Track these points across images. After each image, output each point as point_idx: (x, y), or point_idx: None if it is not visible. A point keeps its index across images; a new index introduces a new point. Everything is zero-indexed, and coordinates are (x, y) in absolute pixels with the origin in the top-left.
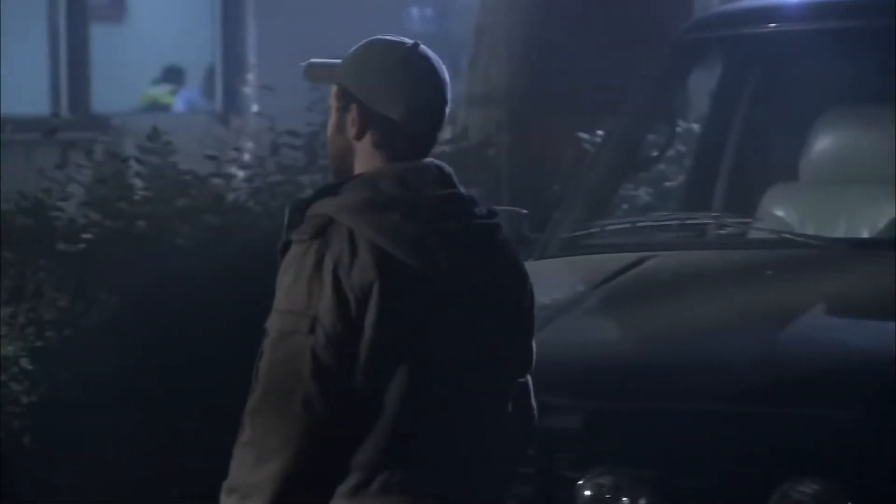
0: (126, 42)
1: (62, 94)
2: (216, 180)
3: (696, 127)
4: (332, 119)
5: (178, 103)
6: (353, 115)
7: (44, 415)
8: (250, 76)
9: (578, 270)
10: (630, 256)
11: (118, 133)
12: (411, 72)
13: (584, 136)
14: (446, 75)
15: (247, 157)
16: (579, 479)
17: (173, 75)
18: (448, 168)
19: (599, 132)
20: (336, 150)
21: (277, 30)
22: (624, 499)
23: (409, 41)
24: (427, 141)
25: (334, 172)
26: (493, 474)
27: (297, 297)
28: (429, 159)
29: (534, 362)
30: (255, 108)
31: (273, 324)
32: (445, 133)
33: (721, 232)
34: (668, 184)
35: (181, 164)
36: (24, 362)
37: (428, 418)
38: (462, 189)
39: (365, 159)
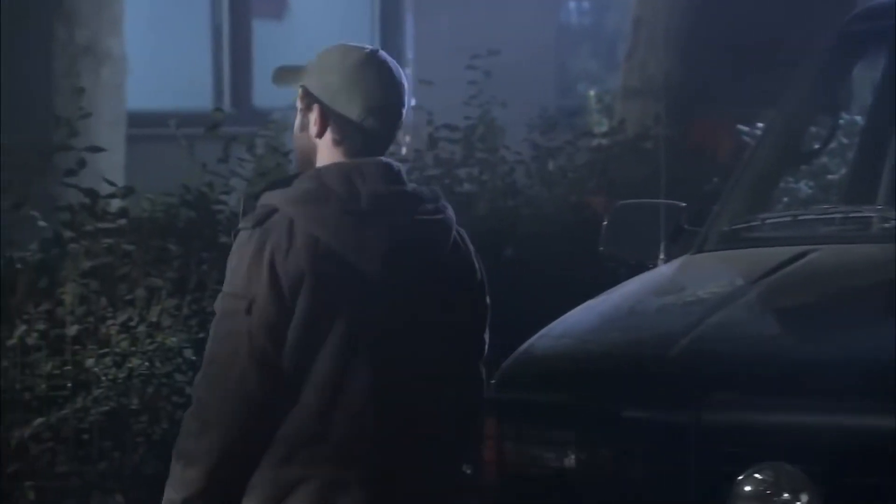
0: (287, 38)
1: (225, 89)
2: None
3: (859, 119)
4: (297, 118)
5: None
6: (314, 114)
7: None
8: (408, 71)
9: (738, 264)
10: (791, 250)
11: (279, 127)
12: (368, 75)
13: (744, 128)
14: (403, 79)
15: (404, 150)
16: (739, 475)
17: None
18: (398, 166)
19: (759, 124)
20: (300, 147)
21: (435, 25)
22: (785, 495)
23: (368, 47)
24: (383, 139)
25: (298, 168)
26: (426, 454)
27: (238, 280)
28: (381, 157)
29: (484, 353)
30: (412, 102)
31: (218, 304)
32: (602, 126)
33: (885, 225)
34: (830, 177)
35: None
36: (188, 353)
37: (353, 398)
38: (409, 186)
39: (325, 156)
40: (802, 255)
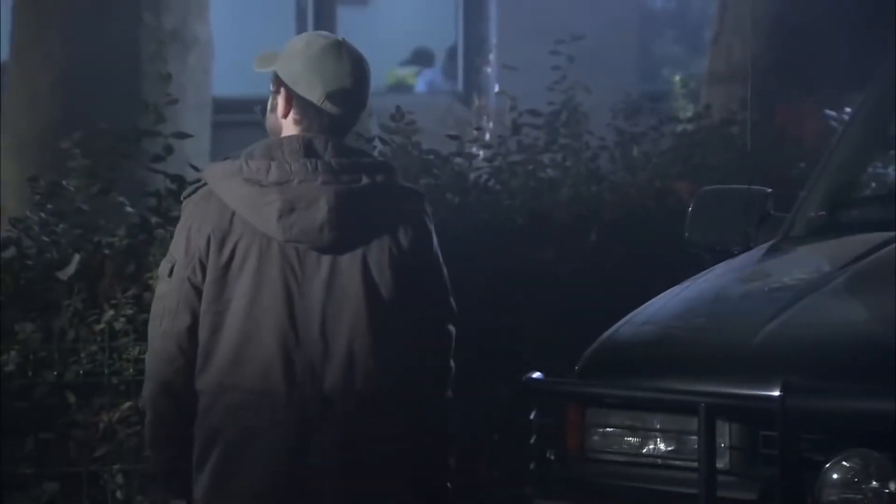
0: (371, 24)
1: None
2: (458, 160)
3: None
4: (270, 100)
5: (419, 84)
6: (281, 97)
7: None
8: (492, 56)
9: (824, 250)
10: (879, 236)
11: (365, 113)
12: (328, 63)
13: (831, 112)
14: (365, 67)
15: (488, 136)
16: (826, 462)
17: (421, 57)
18: (335, 140)
19: (847, 109)
20: (269, 125)
21: (519, 9)
22: (873, 483)
23: (333, 37)
24: (342, 121)
25: None
26: (342, 406)
27: (171, 246)
28: (316, 134)
29: (442, 317)
30: (496, 87)
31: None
32: (687, 111)
33: None
34: None
35: (424, 143)
36: None
37: (260, 351)
38: (334, 160)
39: (288, 133)
40: (890, 241)
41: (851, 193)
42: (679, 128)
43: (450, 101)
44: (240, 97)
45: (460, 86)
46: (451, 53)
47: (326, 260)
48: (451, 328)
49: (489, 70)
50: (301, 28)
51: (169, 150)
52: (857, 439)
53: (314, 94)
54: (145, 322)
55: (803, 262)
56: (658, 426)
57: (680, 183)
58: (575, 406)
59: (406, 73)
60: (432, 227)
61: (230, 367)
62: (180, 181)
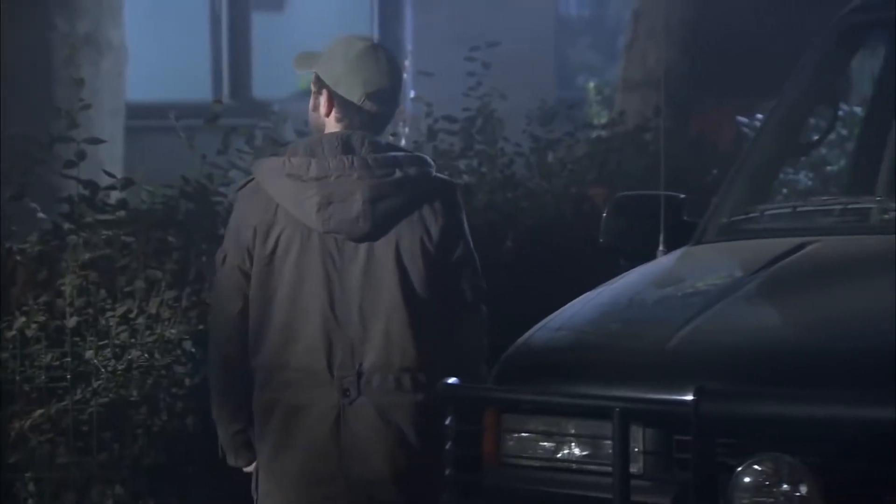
0: (286, 29)
1: (224, 81)
2: None
3: (858, 110)
4: (311, 98)
5: None
6: (323, 97)
7: (207, 397)
8: (407, 62)
9: (737, 255)
10: (790, 241)
11: (279, 118)
12: (367, 64)
13: (744, 119)
14: (399, 68)
15: (403, 142)
16: (738, 466)
17: None
18: (361, 137)
19: (759, 116)
20: (313, 123)
21: (434, 16)
22: (784, 486)
23: (370, 40)
24: (380, 118)
25: None
26: (380, 381)
27: (225, 235)
28: (356, 131)
29: (475, 297)
30: (411, 93)
31: None
32: (602, 117)
33: (884, 216)
34: (829, 168)
35: None
36: (187, 345)
37: (306, 331)
38: (370, 156)
39: (330, 130)
40: (801, 246)
41: (763, 199)
42: (594, 134)
43: None
44: (154, 102)
45: None
46: None
47: (363, 249)
48: (483, 307)
49: (405, 76)
50: (215, 33)
51: (82, 155)
52: (769, 443)
53: (355, 95)
54: (58, 329)
55: (716, 268)
56: (573, 431)
57: (595, 189)
58: (490, 411)
59: None
60: (463, 216)
61: (280, 347)
62: (93, 187)
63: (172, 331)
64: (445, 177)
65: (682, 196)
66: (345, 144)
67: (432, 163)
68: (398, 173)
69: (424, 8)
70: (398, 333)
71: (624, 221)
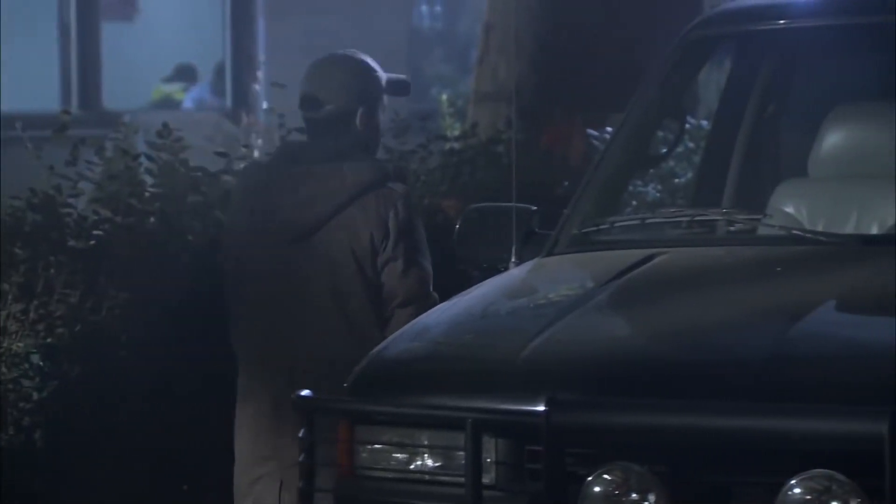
0: (137, 39)
1: (73, 91)
2: (226, 177)
3: (705, 123)
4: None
5: (187, 100)
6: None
7: (54, 411)
8: (260, 73)
9: (588, 267)
10: (640, 253)
11: (129, 130)
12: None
13: (594, 132)
14: (325, 69)
15: (257, 153)
16: (589, 476)
17: (189, 73)
18: (313, 143)
19: (609, 129)
20: None
21: (287, 27)
22: (633, 494)
23: (340, 53)
24: (317, 124)
25: None
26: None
27: None
28: (302, 139)
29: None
30: (264, 104)
31: None
32: (454, 129)
33: (731, 228)
34: (677, 180)
35: (192, 160)
36: (35, 358)
37: (267, 318)
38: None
39: None
40: (650, 258)
41: (613, 211)
42: (447, 146)
43: (218, 118)
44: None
45: (229, 102)
46: (219, 70)
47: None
48: (419, 272)
49: (257, 87)
50: (64, 43)
51: None
52: (619, 452)
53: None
54: None
55: (567, 279)
56: (426, 442)
57: (447, 200)
58: (344, 423)
59: (173, 89)
60: (409, 212)
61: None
62: None
63: (20, 344)
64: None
65: (534, 208)
66: (289, 151)
67: (383, 165)
68: (348, 175)
69: (277, 19)
70: (333, 329)
71: (477, 233)
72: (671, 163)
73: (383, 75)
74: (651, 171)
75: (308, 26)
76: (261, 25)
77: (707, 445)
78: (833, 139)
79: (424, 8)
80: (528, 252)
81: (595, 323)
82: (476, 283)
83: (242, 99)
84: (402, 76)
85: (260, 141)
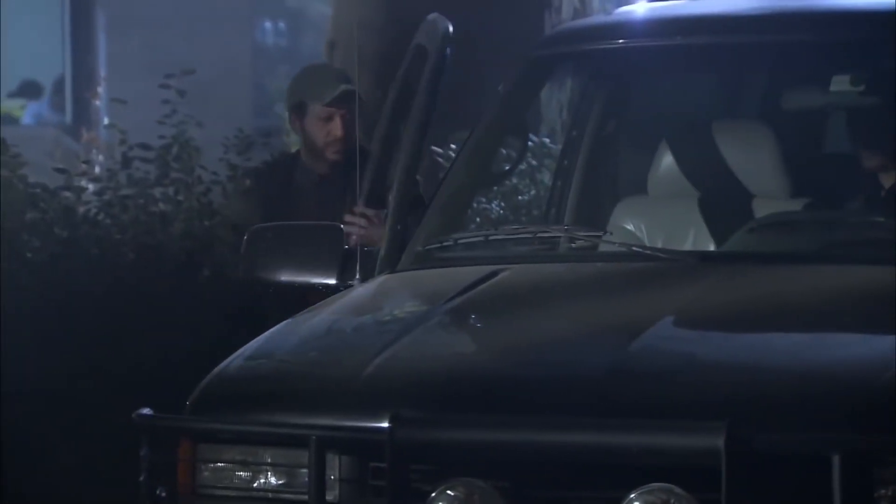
0: None
1: None
2: (66, 193)
3: (548, 141)
4: None
5: (26, 116)
6: None
7: None
8: (100, 89)
9: (432, 283)
10: (483, 269)
11: None
12: None
13: (438, 150)
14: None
15: (97, 170)
16: (432, 492)
17: (28, 89)
18: None
19: (453, 146)
20: None
21: (128, 43)
22: None
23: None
24: None
25: None
26: None
27: None
28: None
29: None
30: (105, 120)
31: None
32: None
33: (573, 245)
34: (520, 197)
35: (30, 177)
36: None
37: None
38: None
39: None
40: (493, 274)
41: (458, 228)
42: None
43: (58, 134)
44: None
45: (68, 118)
46: (59, 86)
47: None
48: None
49: (98, 103)
50: None
51: None
52: (463, 469)
53: None
54: None
55: (412, 295)
56: (269, 460)
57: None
58: (186, 442)
59: (12, 105)
60: None
61: None
62: None
63: None
64: None
65: (340, 225)
66: None
67: None
68: None
69: (117, 35)
70: None
71: (267, 253)
72: (514, 180)
73: None
74: (495, 188)
75: (149, 43)
76: (101, 41)
77: (549, 461)
78: (671, 157)
79: (268, 24)
80: (349, 271)
81: (438, 339)
82: (276, 304)
83: (83, 115)
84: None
85: (101, 157)
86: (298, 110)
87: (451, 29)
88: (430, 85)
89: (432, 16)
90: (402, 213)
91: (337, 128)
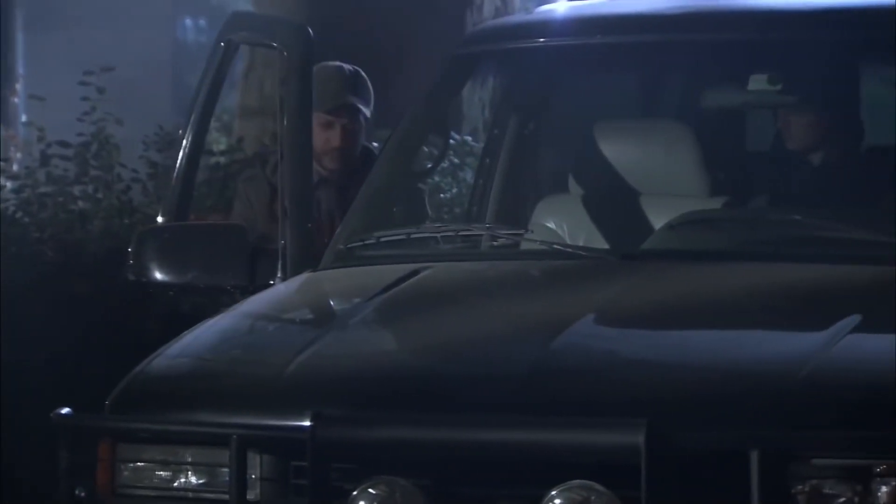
0: None
1: None
2: None
3: (469, 139)
4: None
5: None
6: None
7: None
8: (18, 86)
9: (354, 282)
10: (405, 267)
11: None
12: None
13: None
14: None
15: (15, 167)
16: (353, 490)
17: None
18: None
19: (375, 144)
20: None
21: (47, 40)
22: None
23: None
24: None
25: None
26: None
27: None
28: None
29: None
30: (23, 118)
31: None
32: (221, 143)
33: (494, 243)
34: (442, 195)
35: None
36: None
37: None
38: None
39: None
40: (416, 272)
41: (381, 226)
42: (212, 160)
43: None
44: None
45: None
46: None
47: None
48: None
49: (16, 100)
50: None
51: None
52: (385, 467)
53: None
54: None
55: (334, 294)
56: (189, 459)
57: (214, 215)
58: (105, 441)
59: None
60: None
61: None
62: None
63: None
64: None
65: (241, 224)
66: None
67: None
68: None
69: (36, 31)
70: None
71: (163, 254)
72: (437, 178)
73: None
74: (419, 185)
75: (68, 39)
76: (19, 38)
77: (470, 458)
78: (591, 156)
79: (188, 21)
80: (263, 271)
81: (360, 338)
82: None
83: (0, 112)
84: None
85: (19, 155)
86: None
87: (311, 32)
88: (300, 86)
89: (252, 12)
90: (307, 212)
91: (336, 137)
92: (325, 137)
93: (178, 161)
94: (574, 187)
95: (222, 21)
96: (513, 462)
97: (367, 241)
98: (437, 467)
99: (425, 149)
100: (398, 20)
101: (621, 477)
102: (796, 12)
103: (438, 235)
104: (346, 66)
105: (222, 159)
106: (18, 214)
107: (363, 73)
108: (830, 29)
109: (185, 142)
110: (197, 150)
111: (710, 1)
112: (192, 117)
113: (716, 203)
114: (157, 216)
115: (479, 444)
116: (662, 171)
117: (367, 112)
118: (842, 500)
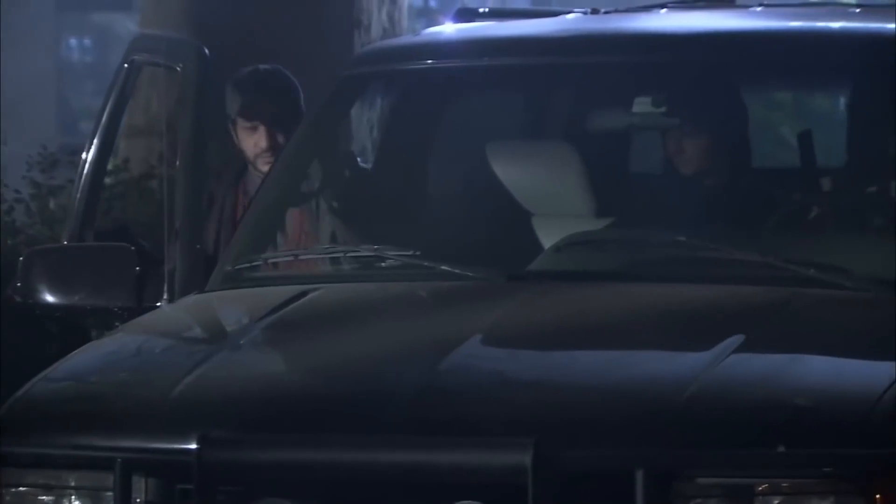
0: None
1: None
2: None
3: (359, 160)
4: None
5: None
6: None
7: None
8: None
9: (241, 304)
10: (293, 289)
11: None
12: None
13: None
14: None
15: None
16: None
17: None
18: None
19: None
20: None
21: None
22: None
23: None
24: None
25: None
26: None
27: None
28: None
29: None
30: None
31: None
32: (108, 164)
33: (382, 264)
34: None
35: None
36: None
37: None
38: None
39: None
40: (303, 294)
41: (267, 247)
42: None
43: None
44: None
45: None
46: None
47: None
48: None
49: None
50: None
51: None
52: (272, 489)
53: None
54: None
55: (221, 316)
56: (73, 483)
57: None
58: None
59: None
60: None
61: None
62: None
63: None
64: None
65: (132, 247)
66: None
67: None
68: None
69: None
70: None
71: (50, 276)
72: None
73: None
74: (313, 202)
75: None
76: None
77: (357, 479)
78: (478, 177)
79: (73, 41)
80: (149, 292)
81: (247, 360)
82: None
83: None
84: None
85: None
86: (233, 123)
87: (206, 51)
88: (195, 106)
89: (156, 33)
90: (197, 234)
91: (262, 138)
92: (252, 141)
93: (80, 182)
94: (461, 208)
95: (106, 40)
96: (400, 483)
97: (254, 263)
98: (325, 488)
99: (313, 170)
100: (286, 41)
101: (508, 497)
102: (681, 35)
103: (326, 257)
104: (263, 67)
105: (109, 180)
106: None
107: (283, 70)
108: (713, 52)
109: (86, 163)
110: (101, 171)
111: (597, 24)
112: (96, 138)
113: (602, 224)
114: (39, 236)
115: (366, 465)
116: (549, 192)
117: (291, 107)
118: None
